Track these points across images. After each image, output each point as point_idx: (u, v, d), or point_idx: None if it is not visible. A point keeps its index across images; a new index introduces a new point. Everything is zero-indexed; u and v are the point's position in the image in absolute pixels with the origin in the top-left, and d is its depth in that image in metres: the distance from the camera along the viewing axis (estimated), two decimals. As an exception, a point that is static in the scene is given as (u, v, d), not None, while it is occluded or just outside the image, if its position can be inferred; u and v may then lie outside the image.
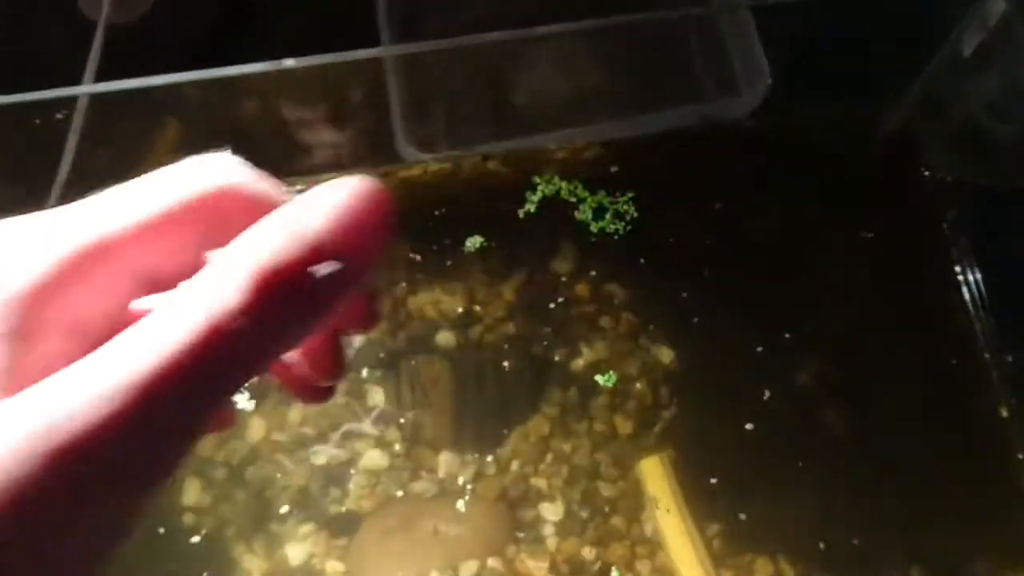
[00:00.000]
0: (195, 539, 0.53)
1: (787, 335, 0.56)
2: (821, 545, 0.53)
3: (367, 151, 0.59)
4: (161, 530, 0.53)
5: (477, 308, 0.57)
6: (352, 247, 0.15)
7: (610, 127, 0.58)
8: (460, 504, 0.53)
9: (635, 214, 0.58)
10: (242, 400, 0.55)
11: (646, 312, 0.58)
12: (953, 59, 0.54)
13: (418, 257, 0.58)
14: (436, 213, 0.59)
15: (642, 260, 0.58)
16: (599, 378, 0.56)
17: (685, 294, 0.58)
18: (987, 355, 0.54)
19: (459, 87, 0.61)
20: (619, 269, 0.58)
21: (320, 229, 0.15)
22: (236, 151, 0.17)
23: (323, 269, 0.14)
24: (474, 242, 0.58)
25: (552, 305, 0.58)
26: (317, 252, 0.14)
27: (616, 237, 0.58)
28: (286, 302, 0.14)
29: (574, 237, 0.58)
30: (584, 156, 0.59)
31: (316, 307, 0.15)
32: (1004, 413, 0.54)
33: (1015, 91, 0.52)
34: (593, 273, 0.58)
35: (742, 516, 0.53)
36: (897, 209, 0.57)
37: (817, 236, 0.58)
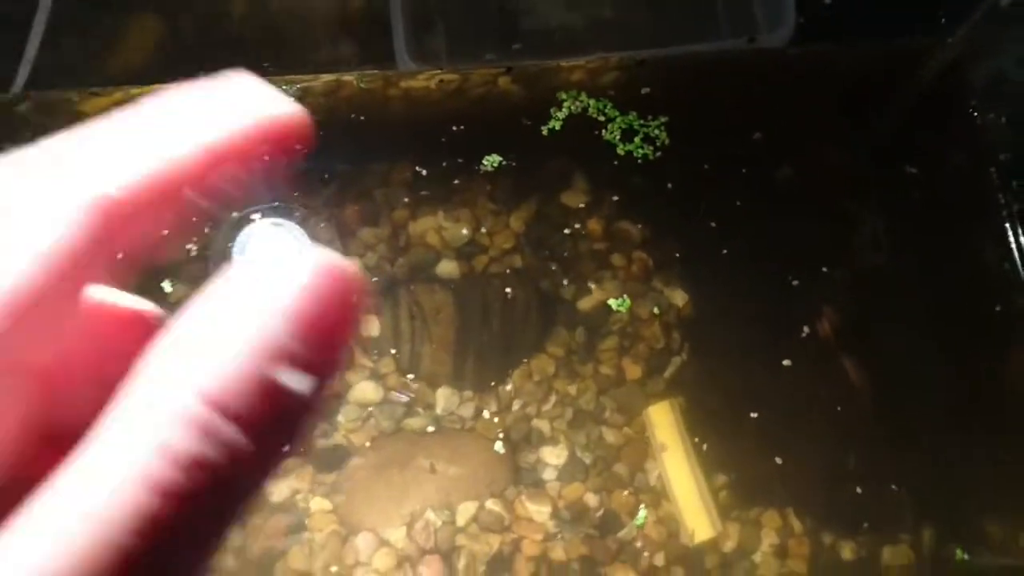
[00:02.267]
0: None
1: (813, 277, 0.54)
2: (832, 500, 0.51)
3: (368, 55, 0.54)
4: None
5: (483, 237, 0.54)
6: (321, 350, 0.11)
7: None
8: (458, 442, 0.50)
9: (666, 140, 0.55)
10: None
11: (661, 251, 0.55)
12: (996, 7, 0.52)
13: (424, 172, 0.54)
14: (453, 128, 0.55)
15: (669, 185, 0.55)
16: (612, 302, 0.53)
17: (705, 233, 0.55)
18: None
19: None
20: (635, 204, 0.55)
21: (284, 332, 0.10)
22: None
23: (293, 386, 0.10)
24: (492, 160, 0.54)
25: (562, 239, 0.54)
26: (282, 365, 0.10)
27: (641, 162, 0.54)
28: (253, 442, 0.10)
29: (595, 162, 0.54)
30: (613, 75, 0.55)
31: (283, 440, 0.11)
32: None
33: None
34: (607, 208, 0.55)
35: (752, 468, 0.51)
36: (945, 147, 0.55)
37: (858, 171, 0.55)
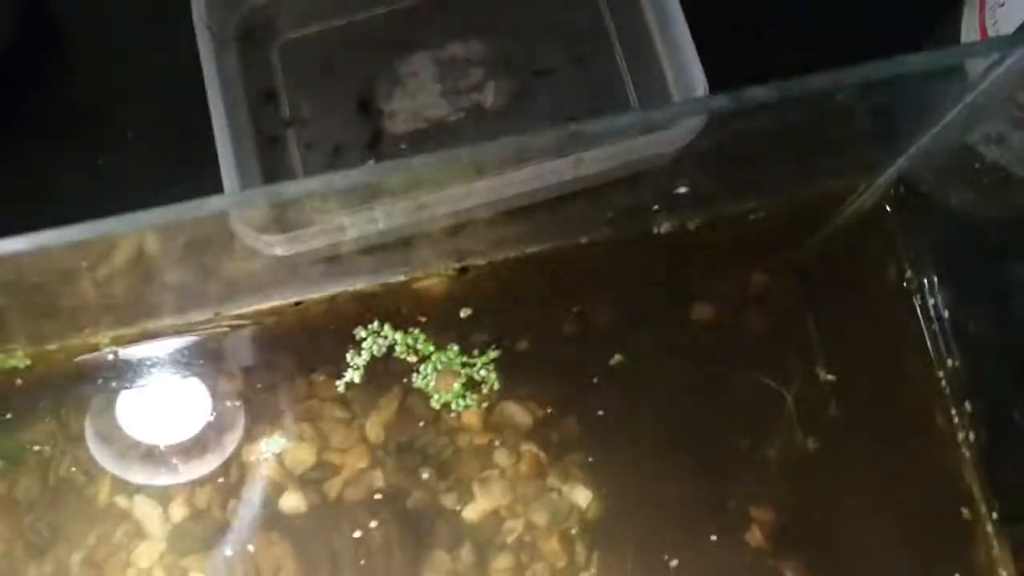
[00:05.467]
0: None
1: (740, 460, 0.44)
2: None
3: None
4: None
5: (333, 457, 0.44)
6: None
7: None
8: None
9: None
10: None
11: (554, 442, 0.45)
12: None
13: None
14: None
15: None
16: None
17: (608, 413, 0.45)
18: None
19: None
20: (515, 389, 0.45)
21: None
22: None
23: None
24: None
25: (431, 440, 0.45)
26: None
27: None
28: None
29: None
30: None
31: None
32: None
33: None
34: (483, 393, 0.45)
35: None
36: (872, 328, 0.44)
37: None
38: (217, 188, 0.43)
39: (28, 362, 0.45)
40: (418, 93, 0.49)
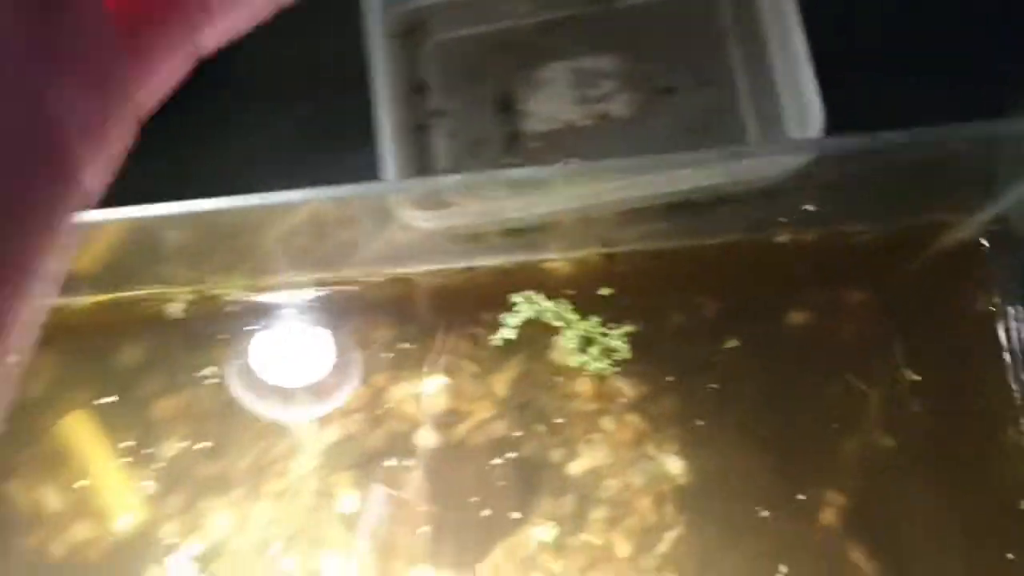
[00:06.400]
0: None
1: (821, 450, 0.49)
2: None
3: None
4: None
5: (464, 405, 0.52)
6: None
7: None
8: (432, 630, 0.48)
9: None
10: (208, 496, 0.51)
11: (655, 415, 0.51)
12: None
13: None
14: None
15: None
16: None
17: (705, 396, 0.51)
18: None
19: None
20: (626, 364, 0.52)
21: None
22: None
23: None
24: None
25: (548, 402, 0.52)
26: None
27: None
28: None
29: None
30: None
31: None
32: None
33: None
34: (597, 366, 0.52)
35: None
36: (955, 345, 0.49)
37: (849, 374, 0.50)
38: (371, 163, 0.50)
39: (227, 294, 0.54)
40: (553, 98, 0.55)
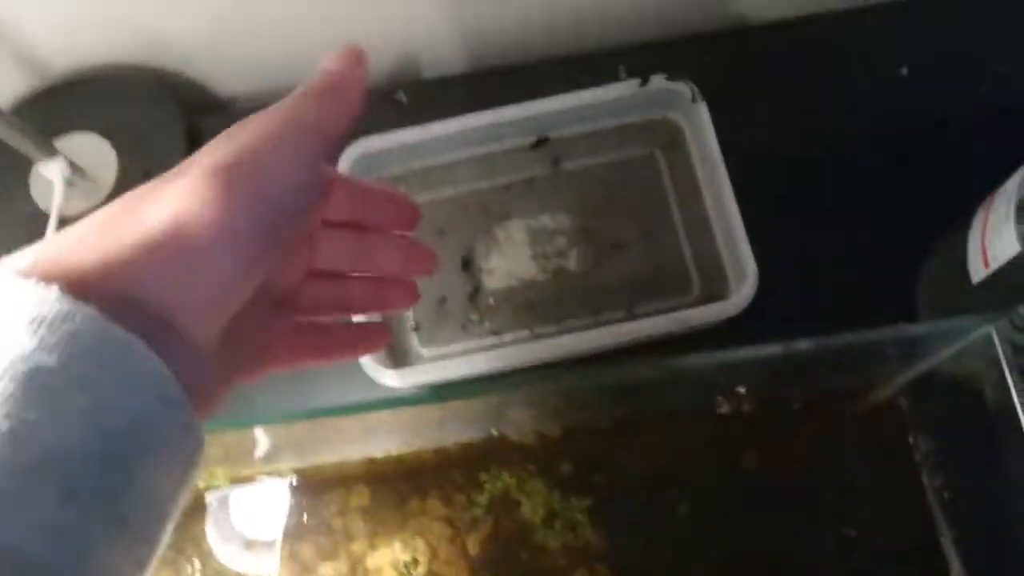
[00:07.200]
0: None
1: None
2: None
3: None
4: None
5: (440, 568, 0.51)
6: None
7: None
8: None
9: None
10: None
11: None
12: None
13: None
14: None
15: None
16: None
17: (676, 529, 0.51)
18: None
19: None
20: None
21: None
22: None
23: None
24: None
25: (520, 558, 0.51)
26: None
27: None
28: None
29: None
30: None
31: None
32: None
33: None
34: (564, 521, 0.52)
35: None
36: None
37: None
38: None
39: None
40: (512, 255, 0.57)
